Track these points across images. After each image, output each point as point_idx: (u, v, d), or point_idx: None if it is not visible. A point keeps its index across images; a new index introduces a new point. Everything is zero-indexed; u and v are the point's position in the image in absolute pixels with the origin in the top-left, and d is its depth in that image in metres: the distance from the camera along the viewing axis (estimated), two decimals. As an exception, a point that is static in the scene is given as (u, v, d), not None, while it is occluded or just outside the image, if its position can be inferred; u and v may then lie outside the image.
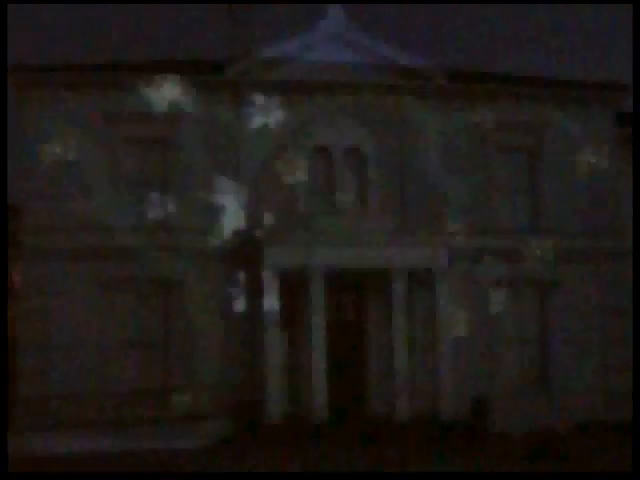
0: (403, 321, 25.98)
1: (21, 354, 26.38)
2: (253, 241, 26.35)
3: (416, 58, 29.16)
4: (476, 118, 29.53)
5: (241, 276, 27.45)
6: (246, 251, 27.30)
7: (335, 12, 28.99)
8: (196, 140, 28.01)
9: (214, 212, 27.72)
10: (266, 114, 28.48)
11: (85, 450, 23.55)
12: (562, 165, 29.85)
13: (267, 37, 29.81)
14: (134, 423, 25.49)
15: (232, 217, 27.79)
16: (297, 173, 28.38)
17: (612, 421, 28.13)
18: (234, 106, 28.36)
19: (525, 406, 28.26)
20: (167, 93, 27.92)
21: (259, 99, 28.45)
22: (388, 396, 27.00)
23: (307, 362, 25.92)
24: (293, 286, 27.32)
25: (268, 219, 25.43)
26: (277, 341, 25.52)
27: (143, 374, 26.94)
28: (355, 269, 26.65)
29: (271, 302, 25.48)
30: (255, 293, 27.28)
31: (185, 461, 21.54)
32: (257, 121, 28.38)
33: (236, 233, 27.65)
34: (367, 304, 28.25)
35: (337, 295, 27.98)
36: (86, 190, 27.15)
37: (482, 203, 29.16)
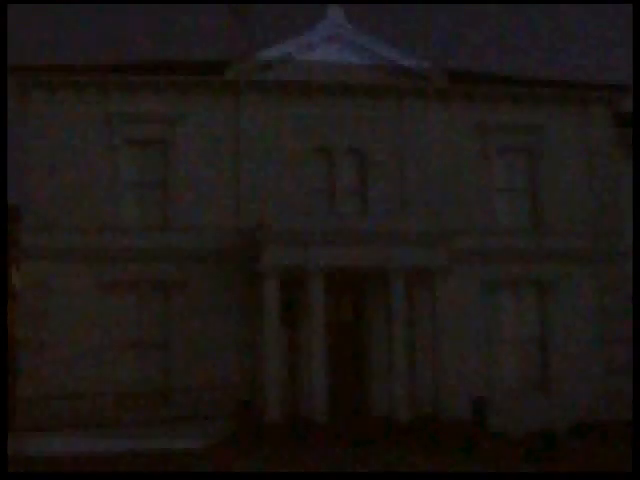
0: (403, 321, 25.98)
1: (21, 354, 26.42)
2: (253, 241, 26.39)
3: (416, 59, 29.23)
4: (476, 118, 29.64)
5: (241, 276, 27.51)
6: (246, 251, 27.44)
7: (335, 12, 29.07)
8: (196, 141, 28.11)
9: (214, 212, 27.80)
10: (266, 115, 28.55)
11: (85, 450, 23.58)
12: (562, 165, 29.94)
13: (267, 37, 29.93)
14: (134, 423, 25.52)
15: (232, 217, 27.87)
16: (297, 173, 28.45)
17: (612, 421, 28.16)
18: (234, 107, 28.43)
19: (525, 406, 28.30)
20: (167, 94, 28.04)
21: (259, 100, 28.54)
22: (388, 396, 27.02)
23: (307, 362, 25.91)
24: (293, 286, 27.38)
25: (268, 219, 25.42)
26: (277, 341, 25.51)
27: (143, 374, 26.99)
28: (354, 269, 26.66)
29: (271, 302, 25.49)
30: (255, 293, 27.39)
31: (185, 461, 21.54)
32: (257, 122, 28.46)
33: (236, 233, 27.72)
34: (367, 304, 28.27)
35: (337, 295, 28.05)
36: (86, 190, 27.28)
37: (482, 203, 29.23)
